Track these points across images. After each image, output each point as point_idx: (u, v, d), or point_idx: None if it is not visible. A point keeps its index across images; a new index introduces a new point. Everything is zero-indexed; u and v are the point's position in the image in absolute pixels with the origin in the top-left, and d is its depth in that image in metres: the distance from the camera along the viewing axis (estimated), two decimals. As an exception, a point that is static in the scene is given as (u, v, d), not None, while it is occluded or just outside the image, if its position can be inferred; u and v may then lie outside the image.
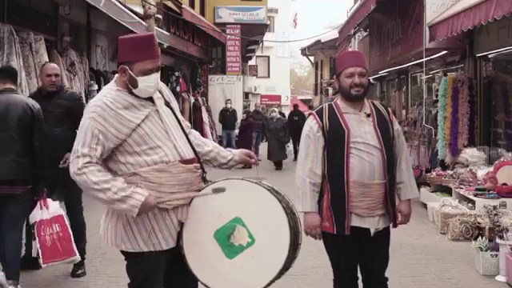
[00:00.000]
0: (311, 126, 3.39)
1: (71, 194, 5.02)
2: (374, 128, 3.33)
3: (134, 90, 2.84)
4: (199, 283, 2.96)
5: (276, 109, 19.38)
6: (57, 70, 5.22)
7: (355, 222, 3.29)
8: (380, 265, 3.45)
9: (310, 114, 3.49)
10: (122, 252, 2.91)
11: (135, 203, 2.71)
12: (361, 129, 3.31)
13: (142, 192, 2.73)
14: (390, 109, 3.58)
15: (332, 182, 3.30)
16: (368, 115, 3.36)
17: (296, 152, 17.28)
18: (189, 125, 3.17)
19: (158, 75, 2.88)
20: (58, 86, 5.13)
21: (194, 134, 3.17)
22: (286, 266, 2.86)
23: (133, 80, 2.82)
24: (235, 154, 3.20)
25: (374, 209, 3.30)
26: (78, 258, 4.81)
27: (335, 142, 3.29)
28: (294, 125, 17.52)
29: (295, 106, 19.87)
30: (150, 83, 2.84)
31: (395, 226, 3.46)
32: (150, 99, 2.90)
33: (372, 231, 3.32)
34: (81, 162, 2.72)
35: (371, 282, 3.46)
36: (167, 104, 2.98)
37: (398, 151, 3.46)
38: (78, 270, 5.08)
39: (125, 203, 2.71)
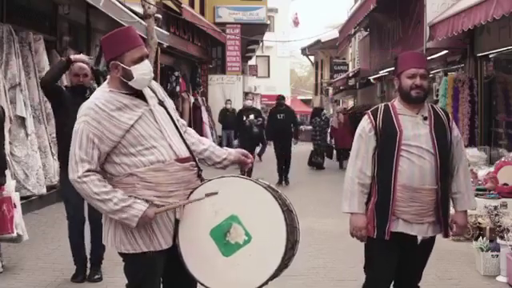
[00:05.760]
0: (364, 125, 3.28)
1: None
2: (430, 132, 3.18)
3: (130, 83, 2.81)
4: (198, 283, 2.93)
5: None
6: (84, 70, 4.92)
7: (402, 227, 3.17)
8: (417, 274, 3.36)
9: (364, 114, 3.37)
10: (120, 253, 2.89)
11: (136, 213, 2.72)
12: (415, 131, 3.17)
13: (142, 203, 2.74)
14: (450, 115, 3.43)
15: (380, 185, 3.20)
16: (425, 118, 3.21)
17: (280, 165, 12.42)
18: (184, 123, 3.15)
19: (148, 62, 2.88)
20: (86, 87, 4.89)
21: (190, 133, 3.14)
22: (285, 263, 2.84)
23: (127, 72, 2.80)
24: (231, 153, 3.15)
25: (424, 215, 3.17)
26: (14, 235, 5.11)
27: (386, 143, 3.18)
28: (276, 124, 12.51)
29: (279, 99, 12.98)
30: (144, 70, 2.83)
31: (446, 235, 3.31)
32: (143, 98, 2.87)
33: (419, 239, 3.19)
34: (81, 171, 2.72)
35: None
36: (161, 103, 2.95)
37: (457, 160, 3.29)
38: (94, 274, 4.99)
39: (125, 213, 2.72)
